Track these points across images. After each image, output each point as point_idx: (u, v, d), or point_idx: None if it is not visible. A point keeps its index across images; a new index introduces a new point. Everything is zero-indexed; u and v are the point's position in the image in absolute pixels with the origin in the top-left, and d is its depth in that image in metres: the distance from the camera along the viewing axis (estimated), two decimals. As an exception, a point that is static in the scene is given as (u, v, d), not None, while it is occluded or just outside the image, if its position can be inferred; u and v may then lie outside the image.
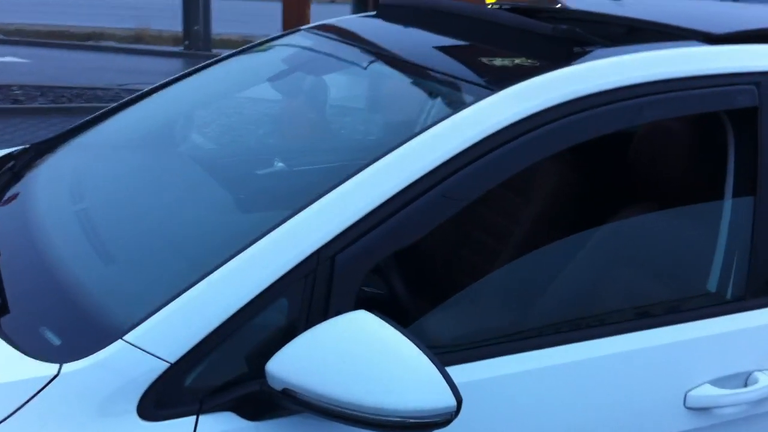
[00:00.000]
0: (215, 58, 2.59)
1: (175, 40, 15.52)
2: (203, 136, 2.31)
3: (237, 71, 2.44)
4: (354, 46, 2.16)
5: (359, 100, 2.07)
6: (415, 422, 1.26)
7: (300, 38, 2.47)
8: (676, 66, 1.76)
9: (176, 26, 15.55)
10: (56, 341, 1.43)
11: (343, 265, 1.43)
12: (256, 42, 2.55)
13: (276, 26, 19.25)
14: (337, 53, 2.19)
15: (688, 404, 1.65)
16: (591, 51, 1.79)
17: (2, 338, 1.44)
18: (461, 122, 1.57)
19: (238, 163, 2.26)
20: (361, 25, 2.40)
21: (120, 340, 1.36)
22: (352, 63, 2.13)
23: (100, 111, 2.44)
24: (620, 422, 1.61)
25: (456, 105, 1.66)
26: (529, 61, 1.84)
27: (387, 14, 2.44)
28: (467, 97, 1.67)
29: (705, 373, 1.67)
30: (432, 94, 1.83)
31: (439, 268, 1.84)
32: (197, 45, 14.51)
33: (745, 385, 1.70)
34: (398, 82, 2.00)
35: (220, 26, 15.81)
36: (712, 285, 1.81)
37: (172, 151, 2.22)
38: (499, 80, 1.70)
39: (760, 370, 1.71)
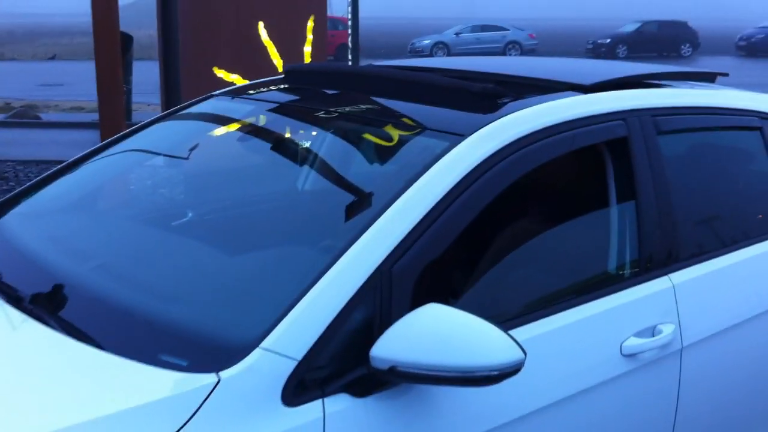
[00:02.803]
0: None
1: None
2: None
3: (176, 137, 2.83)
4: (302, 109, 2.61)
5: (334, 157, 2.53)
6: (497, 374, 1.75)
7: (225, 103, 2.88)
8: (573, 110, 2.40)
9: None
10: (183, 362, 1.76)
11: (398, 274, 1.90)
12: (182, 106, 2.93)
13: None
14: (285, 112, 2.63)
15: (624, 352, 2.27)
16: (507, 102, 2.39)
17: (150, 361, 1.74)
18: (452, 161, 2.09)
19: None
20: (288, 90, 2.85)
21: (258, 348, 1.73)
22: (309, 124, 2.59)
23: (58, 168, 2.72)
24: (581, 370, 2.19)
25: (434, 149, 2.17)
26: (468, 113, 2.39)
27: (299, 79, 2.91)
28: (442, 143, 2.18)
29: (629, 329, 2.30)
30: (408, 142, 2.33)
31: (456, 269, 2.32)
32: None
33: (653, 335, 2.35)
34: (365, 134, 2.48)
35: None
36: (612, 268, 2.46)
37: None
38: (463, 128, 2.23)
39: (661, 323, 2.37)
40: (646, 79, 2.86)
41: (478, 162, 2.12)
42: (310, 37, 7.99)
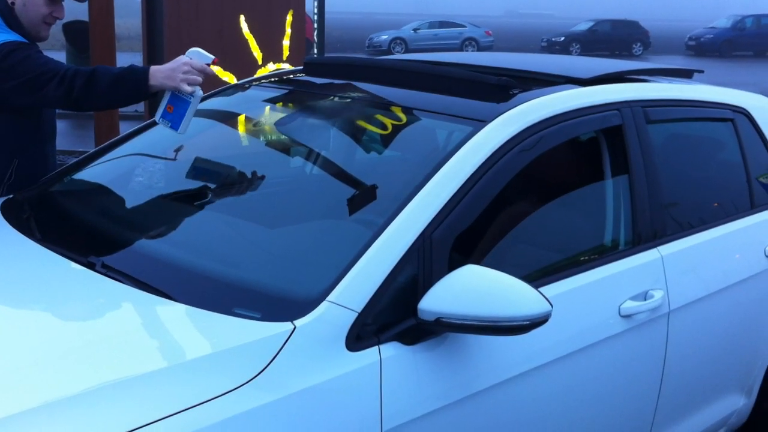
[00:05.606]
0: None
1: None
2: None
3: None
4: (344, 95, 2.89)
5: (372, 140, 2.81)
6: (530, 323, 2.05)
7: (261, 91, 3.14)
8: (576, 101, 2.71)
9: None
10: (257, 314, 2.02)
11: (437, 239, 2.18)
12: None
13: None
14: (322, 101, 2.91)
15: (622, 313, 2.58)
16: (517, 93, 2.69)
17: (225, 314, 2.00)
18: (477, 144, 2.39)
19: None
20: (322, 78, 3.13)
21: (325, 301, 2.00)
22: (342, 113, 2.88)
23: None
24: (588, 327, 2.51)
25: (461, 133, 2.46)
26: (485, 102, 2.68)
27: (315, 71, 3.19)
28: (467, 128, 2.47)
29: (626, 293, 2.62)
30: (436, 127, 2.62)
31: (481, 235, 2.61)
32: None
33: (645, 299, 2.67)
34: (406, 117, 2.77)
35: None
36: (608, 241, 2.78)
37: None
38: (484, 115, 2.52)
39: (652, 289, 2.70)
40: (634, 74, 3.18)
41: (500, 144, 2.41)
42: (288, 31, 8.25)
